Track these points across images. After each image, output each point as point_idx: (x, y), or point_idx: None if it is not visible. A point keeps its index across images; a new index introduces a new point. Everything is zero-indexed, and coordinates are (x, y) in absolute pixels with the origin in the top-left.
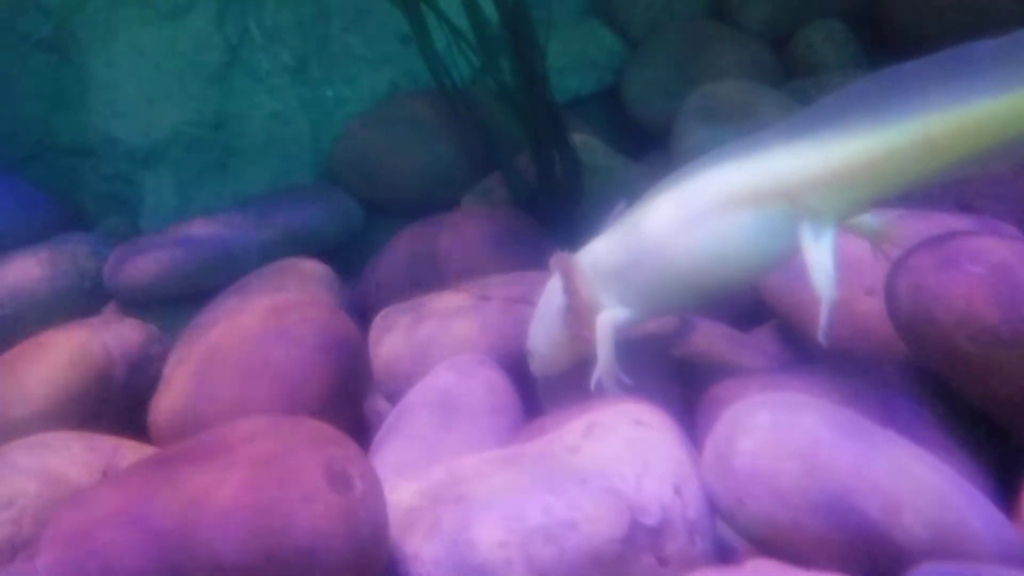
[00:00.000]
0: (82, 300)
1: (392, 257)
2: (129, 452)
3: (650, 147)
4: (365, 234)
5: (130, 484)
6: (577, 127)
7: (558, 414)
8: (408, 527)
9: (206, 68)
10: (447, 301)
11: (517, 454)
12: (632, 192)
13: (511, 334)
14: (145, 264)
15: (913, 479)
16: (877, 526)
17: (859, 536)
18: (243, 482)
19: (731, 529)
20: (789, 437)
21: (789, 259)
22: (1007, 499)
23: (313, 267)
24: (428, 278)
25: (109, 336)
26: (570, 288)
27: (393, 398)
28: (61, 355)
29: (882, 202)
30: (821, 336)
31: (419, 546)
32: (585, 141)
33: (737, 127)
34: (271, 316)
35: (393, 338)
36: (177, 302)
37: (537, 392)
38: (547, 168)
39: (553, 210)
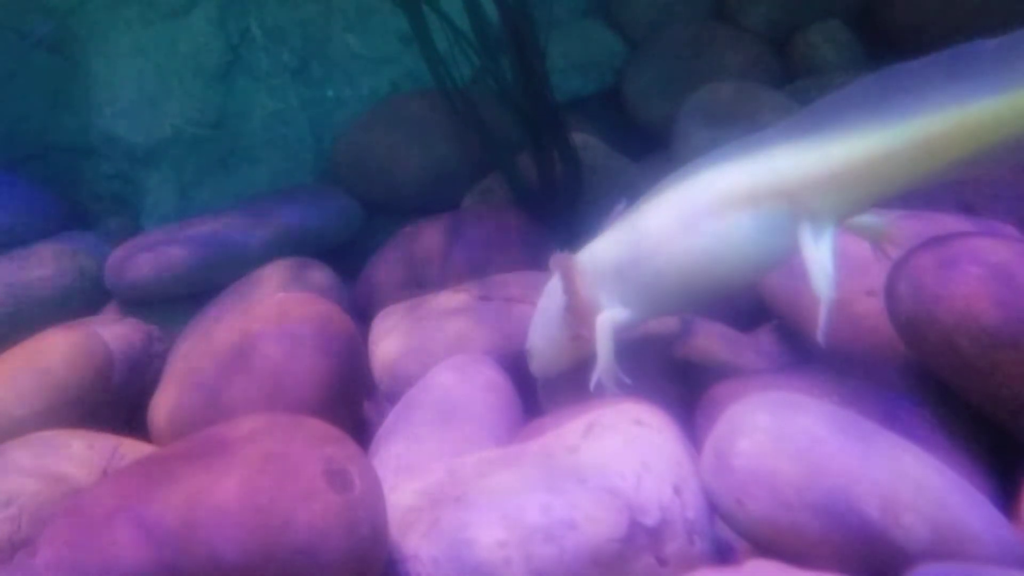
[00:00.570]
0: (82, 299)
1: (392, 257)
2: (129, 451)
3: (650, 147)
4: (365, 234)
5: (130, 483)
6: (577, 127)
7: (558, 414)
8: (407, 526)
9: (207, 68)
10: (447, 301)
11: (517, 454)
12: (632, 192)
13: (511, 334)
14: (146, 263)
15: (913, 479)
16: (877, 526)
17: (858, 536)
18: (242, 481)
19: (730, 529)
20: (789, 437)
21: (789, 259)
22: (1007, 500)
23: (313, 267)
24: (428, 278)
25: (109, 335)
26: (570, 288)
27: (393, 398)
28: (61, 354)
29: (882, 202)
30: (820, 336)
31: (418, 545)
32: (585, 141)
33: (737, 128)
34: (271, 316)
35: (393, 338)
36: (177, 302)
37: (537, 392)
38: (547, 168)
39: (553, 210)
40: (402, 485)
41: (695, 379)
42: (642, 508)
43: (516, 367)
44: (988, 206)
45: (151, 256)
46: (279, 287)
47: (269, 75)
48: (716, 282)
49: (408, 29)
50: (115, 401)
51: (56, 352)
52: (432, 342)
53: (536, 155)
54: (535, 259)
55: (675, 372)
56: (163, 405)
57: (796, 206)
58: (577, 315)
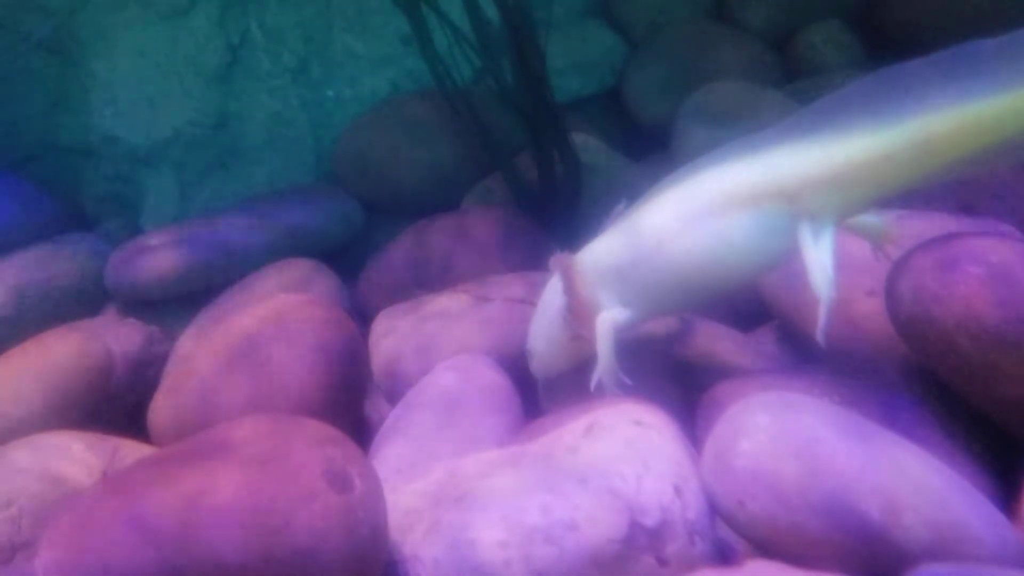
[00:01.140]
0: (83, 300)
1: (392, 257)
2: (129, 452)
3: (650, 147)
4: (365, 234)
5: (130, 484)
6: (577, 127)
7: (558, 414)
8: (408, 527)
9: (207, 68)
10: (447, 301)
11: (517, 454)
12: (632, 192)
13: (511, 334)
14: (146, 264)
15: (913, 480)
16: (877, 527)
17: (859, 537)
18: (242, 482)
19: (731, 530)
20: (789, 438)
21: (789, 259)
22: (1007, 500)
23: (313, 267)
24: (428, 278)
25: (110, 336)
26: (570, 288)
27: (393, 398)
28: (62, 355)
29: (882, 202)
30: (820, 336)
31: (418, 546)
32: (585, 141)
33: (737, 128)
34: (271, 316)
35: (393, 338)
36: (177, 302)
37: (537, 392)
38: (547, 168)
39: (553, 210)
40: (402, 486)
41: (695, 379)
42: (642, 509)
43: (516, 367)
44: (988, 206)
45: (151, 257)
46: (279, 288)
47: (269, 76)
48: (716, 282)
49: (408, 29)
50: (115, 402)
51: (57, 353)
52: (432, 342)
53: (536, 155)
54: (535, 259)
55: (675, 372)
56: (163, 406)
57: (796, 206)
58: (577, 315)
